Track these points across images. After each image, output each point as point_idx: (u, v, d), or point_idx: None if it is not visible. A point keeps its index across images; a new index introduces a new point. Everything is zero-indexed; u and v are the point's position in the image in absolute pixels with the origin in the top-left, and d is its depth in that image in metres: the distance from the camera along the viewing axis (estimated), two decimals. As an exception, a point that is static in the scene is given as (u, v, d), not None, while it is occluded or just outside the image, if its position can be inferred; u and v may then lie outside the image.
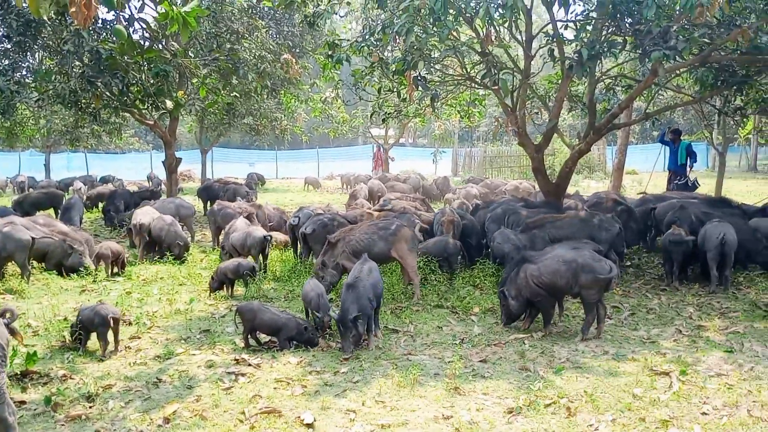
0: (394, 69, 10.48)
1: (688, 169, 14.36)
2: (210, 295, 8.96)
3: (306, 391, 5.66)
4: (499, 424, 4.98)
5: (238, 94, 16.75)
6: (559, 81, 11.59)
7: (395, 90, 12.18)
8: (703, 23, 8.12)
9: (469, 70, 11.63)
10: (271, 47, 16.20)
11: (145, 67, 13.06)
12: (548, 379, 5.85)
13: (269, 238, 10.33)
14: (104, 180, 27.51)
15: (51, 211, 16.32)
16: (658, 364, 6.18)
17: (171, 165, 16.90)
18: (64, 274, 10.06)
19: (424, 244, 9.49)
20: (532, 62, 10.84)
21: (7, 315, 4.85)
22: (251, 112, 22.82)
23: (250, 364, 6.34)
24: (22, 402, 5.43)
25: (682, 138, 14.96)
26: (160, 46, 12.56)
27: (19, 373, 5.93)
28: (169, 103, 11.88)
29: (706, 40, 8.80)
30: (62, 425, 5.03)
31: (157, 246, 11.45)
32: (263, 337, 7.06)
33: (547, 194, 11.68)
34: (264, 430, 4.91)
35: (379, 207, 12.78)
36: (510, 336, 7.15)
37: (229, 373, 6.11)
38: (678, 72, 11.75)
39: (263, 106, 22.12)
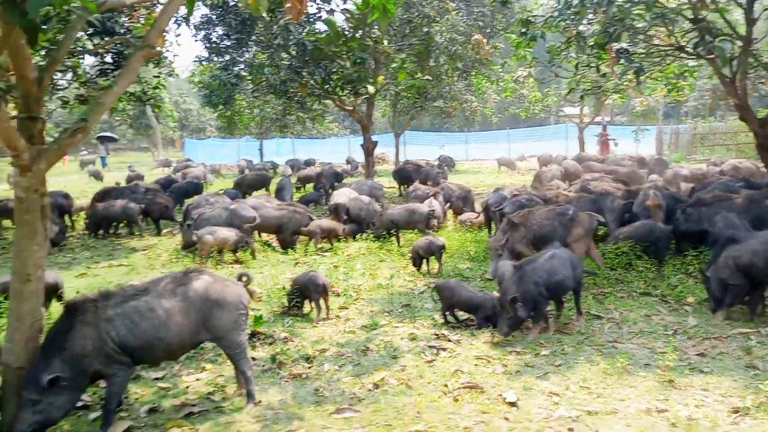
0: (592, 43, 9.94)
1: None
2: (413, 271, 9.33)
3: (507, 370, 5.67)
4: (723, 423, 4.57)
5: (430, 77, 17.06)
6: (792, 45, 10.15)
7: (594, 65, 11.56)
8: None
9: (678, 39, 10.64)
10: (461, 29, 16.24)
11: (344, 56, 13.86)
12: (781, 379, 5.23)
13: (432, 212, 10.92)
14: (307, 163, 29.81)
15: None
16: None
17: (368, 148, 17.79)
18: (283, 246, 11.09)
19: (627, 229, 8.97)
20: (755, 27, 9.59)
21: (244, 279, 5.47)
22: (442, 95, 23.14)
23: (450, 340, 6.50)
24: (252, 359, 6.12)
25: None
26: (361, 34, 13.20)
27: (249, 332, 6.68)
28: (371, 88, 12.49)
29: None
30: (286, 381, 5.59)
31: (358, 225, 12.10)
32: (461, 315, 7.18)
33: (775, 174, 10.34)
34: (467, 404, 5.01)
35: (579, 189, 12.25)
36: (732, 330, 6.49)
37: (430, 347, 6.33)
38: None
39: (453, 88, 22.31)
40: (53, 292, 7.14)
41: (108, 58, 11.31)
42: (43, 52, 9.46)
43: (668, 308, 7.32)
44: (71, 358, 4.48)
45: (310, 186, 19.44)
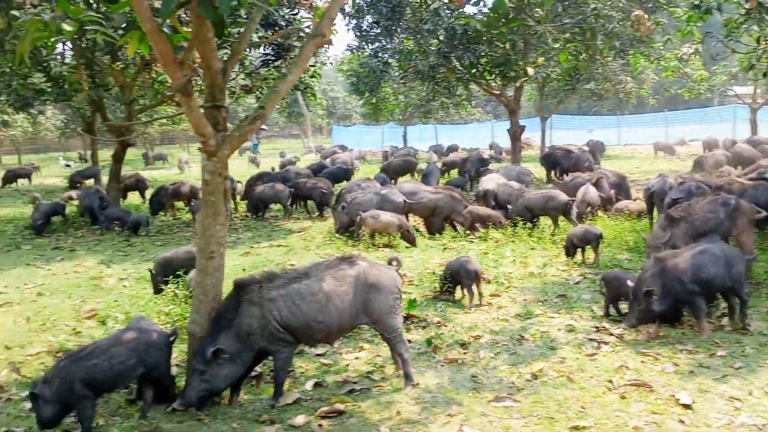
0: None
1: None
2: (567, 260, 9.00)
3: (678, 369, 5.27)
4: None
5: (587, 59, 16.24)
6: None
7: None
8: None
9: None
10: (620, 4, 15.24)
11: (499, 38, 13.54)
12: None
13: (571, 202, 10.52)
14: (450, 149, 29.81)
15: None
16: None
17: (515, 133, 17.36)
18: (431, 231, 11.12)
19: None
20: None
21: (394, 263, 5.49)
22: (593, 77, 22.01)
23: (611, 334, 6.18)
24: (408, 341, 6.22)
25: None
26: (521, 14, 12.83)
27: (403, 316, 6.79)
28: (530, 70, 12.13)
29: None
30: (442, 366, 5.61)
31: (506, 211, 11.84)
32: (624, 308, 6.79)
33: None
34: (635, 403, 4.73)
35: (757, 175, 11.07)
36: None
37: (590, 339, 6.05)
38: None
39: (607, 69, 21.14)
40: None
41: (269, 50, 11.96)
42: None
43: None
44: (237, 334, 4.78)
45: (454, 172, 19.39)
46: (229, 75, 4.44)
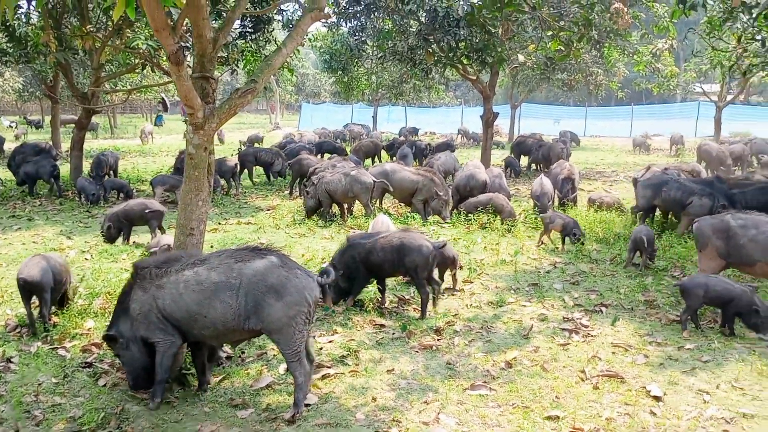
0: (761, 13, 9.09)
1: None
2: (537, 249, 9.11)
3: (649, 361, 5.38)
4: None
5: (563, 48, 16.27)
6: None
7: (761, 39, 10.65)
8: None
9: None
10: (601, -5, 15.29)
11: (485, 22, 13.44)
12: None
13: None
14: (409, 131, 29.87)
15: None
16: None
17: (488, 119, 17.35)
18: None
19: None
20: None
21: (325, 276, 4.66)
22: (565, 67, 22.15)
23: (583, 324, 6.27)
24: (382, 326, 6.20)
25: None
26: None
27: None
28: (521, 57, 12.05)
29: None
30: (417, 351, 5.60)
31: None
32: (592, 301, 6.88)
33: None
34: (607, 393, 4.81)
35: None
36: None
37: (562, 329, 6.13)
38: None
39: (579, 60, 21.28)
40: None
41: (247, 21, 11.65)
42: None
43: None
44: (128, 318, 4.54)
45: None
46: (220, 45, 4.27)
